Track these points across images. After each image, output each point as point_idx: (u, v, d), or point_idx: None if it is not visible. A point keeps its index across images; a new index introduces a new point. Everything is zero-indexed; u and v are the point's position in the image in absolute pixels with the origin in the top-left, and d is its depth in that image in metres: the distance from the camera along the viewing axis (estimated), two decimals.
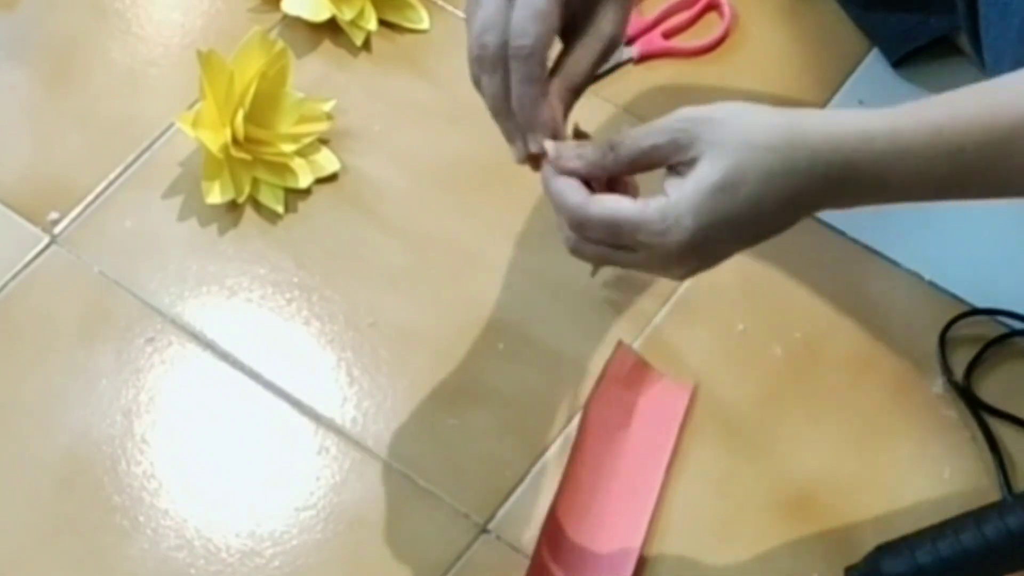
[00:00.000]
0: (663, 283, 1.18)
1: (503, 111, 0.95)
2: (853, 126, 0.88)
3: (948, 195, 0.92)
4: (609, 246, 0.91)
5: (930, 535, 1.03)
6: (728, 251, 0.92)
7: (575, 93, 0.95)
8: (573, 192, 0.91)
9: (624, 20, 0.95)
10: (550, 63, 0.94)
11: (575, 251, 0.93)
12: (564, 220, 0.92)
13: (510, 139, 0.96)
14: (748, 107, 0.89)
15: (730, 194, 0.87)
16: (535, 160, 0.94)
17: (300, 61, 1.27)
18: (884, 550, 1.04)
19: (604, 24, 0.94)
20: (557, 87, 0.94)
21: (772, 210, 0.89)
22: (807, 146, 0.87)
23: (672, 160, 0.89)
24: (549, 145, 0.93)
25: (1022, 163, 0.88)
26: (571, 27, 0.94)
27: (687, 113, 0.89)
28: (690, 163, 0.88)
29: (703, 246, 0.89)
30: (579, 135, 0.96)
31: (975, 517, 1.03)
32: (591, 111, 1.26)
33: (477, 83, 0.95)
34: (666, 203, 0.89)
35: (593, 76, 0.95)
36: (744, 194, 0.87)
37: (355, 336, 1.16)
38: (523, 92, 0.93)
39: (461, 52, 1.28)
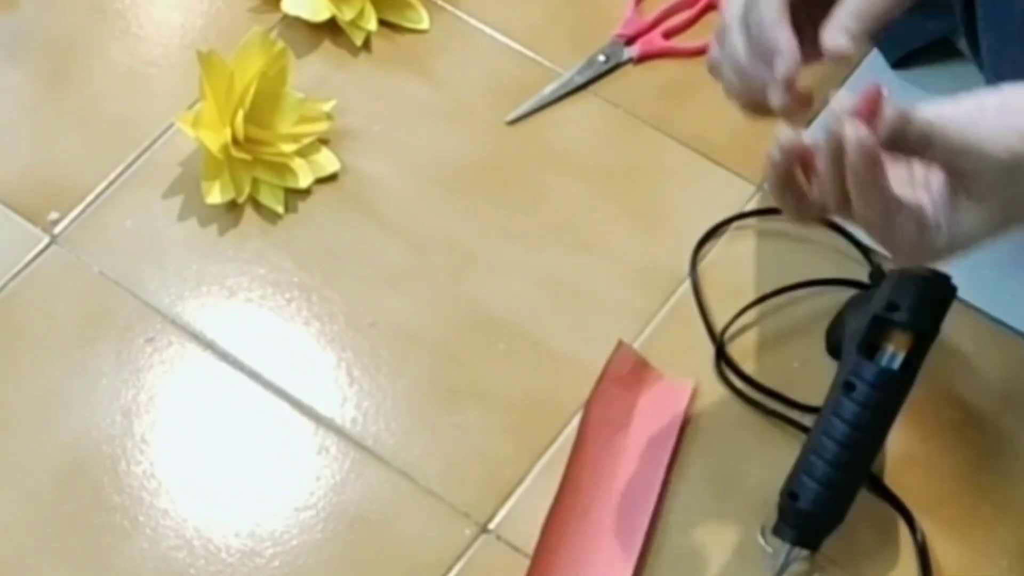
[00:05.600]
0: (663, 282, 1.18)
1: (748, 64, 0.93)
2: None
3: None
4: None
5: (809, 451, 1.05)
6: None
7: (867, 26, 0.91)
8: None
9: None
10: None
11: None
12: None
13: (763, 91, 0.93)
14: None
15: None
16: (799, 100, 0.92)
17: (300, 61, 1.27)
18: (788, 493, 1.05)
19: None
20: (841, 21, 0.91)
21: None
22: None
23: None
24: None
25: None
26: None
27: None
28: None
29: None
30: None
31: (829, 409, 1.05)
32: (591, 111, 1.27)
33: (715, 69, 0.94)
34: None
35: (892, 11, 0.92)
36: None
37: (355, 336, 1.17)
38: (761, 18, 0.91)
39: (461, 52, 1.29)
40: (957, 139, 0.83)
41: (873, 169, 0.84)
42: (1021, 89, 0.86)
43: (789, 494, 1.05)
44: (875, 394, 1.04)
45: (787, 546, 1.06)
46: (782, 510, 1.06)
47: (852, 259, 1.19)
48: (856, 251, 1.19)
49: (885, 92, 0.83)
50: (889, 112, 0.83)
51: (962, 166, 0.84)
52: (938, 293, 1.06)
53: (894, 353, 1.05)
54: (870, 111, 0.83)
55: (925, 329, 1.05)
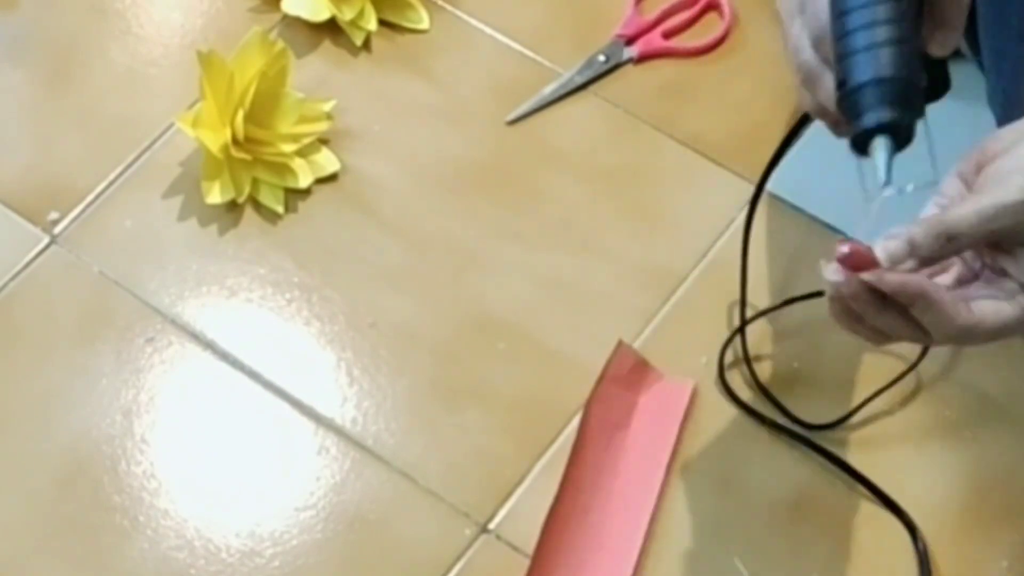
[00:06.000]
0: (663, 282, 1.18)
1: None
2: None
3: None
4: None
5: (838, 37, 0.86)
6: None
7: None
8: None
9: None
10: None
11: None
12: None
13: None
14: None
15: None
16: None
17: (300, 61, 1.27)
18: (839, 85, 0.86)
19: None
20: None
21: None
22: None
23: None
24: (879, 248, 0.84)
25: None
26: None
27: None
28: None
29: None
30: None
31: None
32: (591, 111, 1.27)
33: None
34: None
35: None
36: None
37: (355, 336, 1.17)
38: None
39: (461, 52, 1.29)
40: (975, 216, 0.83)
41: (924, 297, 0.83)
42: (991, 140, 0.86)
43: (840, 86, 0.84)
44: None
45: (882, 141, 0.83)
46: (846, 108, 0.85)
47: None
48: None
49: (875, 247, 0.82)
50: (896, 246, 0.82)
51: (998, 229, 0.84)
52: None
53: None
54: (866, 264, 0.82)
55: None
